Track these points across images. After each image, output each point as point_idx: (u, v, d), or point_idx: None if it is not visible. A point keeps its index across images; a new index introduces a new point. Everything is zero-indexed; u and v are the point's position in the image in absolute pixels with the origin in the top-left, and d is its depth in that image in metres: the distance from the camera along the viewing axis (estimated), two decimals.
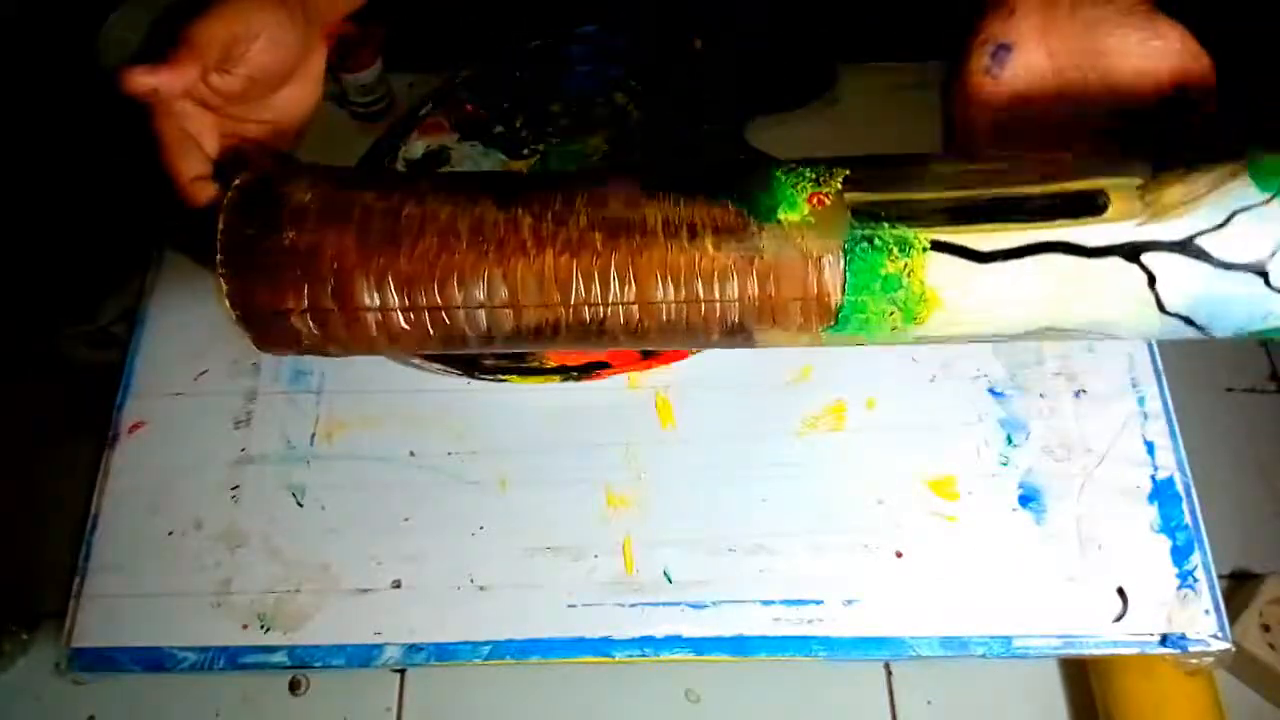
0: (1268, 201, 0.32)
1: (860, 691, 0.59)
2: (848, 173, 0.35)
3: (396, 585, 0.49)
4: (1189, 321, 0.34)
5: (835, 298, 0.34)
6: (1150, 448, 0.51)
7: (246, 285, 0.35)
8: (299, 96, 0.43)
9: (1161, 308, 0.33)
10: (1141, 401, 0.52)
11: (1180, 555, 0.48)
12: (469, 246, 0.34)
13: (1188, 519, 0.49)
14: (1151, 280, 0.33)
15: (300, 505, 0.51)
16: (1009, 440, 0.52)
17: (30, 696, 0.61)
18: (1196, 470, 0.50)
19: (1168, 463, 0.51)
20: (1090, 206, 0.33)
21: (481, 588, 0.49)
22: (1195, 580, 0.48)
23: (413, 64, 0.62)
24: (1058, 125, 0.39)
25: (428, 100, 0.58)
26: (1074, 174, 0.34)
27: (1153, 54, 0.37)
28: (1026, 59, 0.39)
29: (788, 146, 0.59)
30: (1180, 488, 0.50)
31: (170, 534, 0.50)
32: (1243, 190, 0.32)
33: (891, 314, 0.34)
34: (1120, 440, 0.51)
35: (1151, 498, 0.50)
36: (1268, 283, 0.32)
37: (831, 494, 0.50)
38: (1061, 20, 0.38)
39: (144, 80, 0.36)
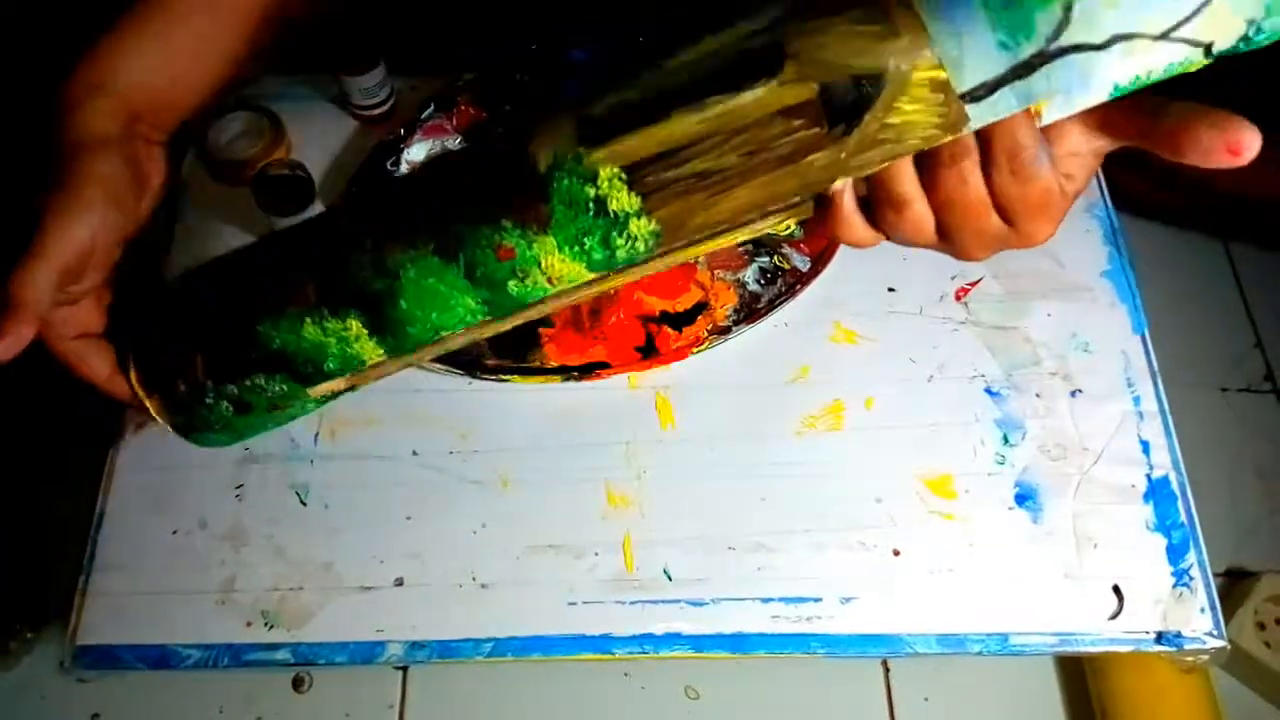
0: None
1: (858, 688, 0.60)
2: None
3: (399, 583, 0.49)
4: None
5: None
6: (1146, 447, 0.52)
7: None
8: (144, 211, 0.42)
9: None
10: (1137, 401, 0.53)
11: (1176, 554, 0.49)
12: None
13: (1183, 517, 0.50)
14: None
15: (304, 504, 0.51)
16: (1005, 440, 0.52)
17: (35, 694, 0.61)
18: (1192, 469, 0.51)
19: (1163, 462, 0.51)
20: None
21: (483, 586, 0.49)
22: (1190, 578, 0.48)
23: (415, 67, 0.62)
24: None
25: (430, 102, 0.59)
26: None
27: None
28: None
29: None
30: (1175, 487, 0.50)
31: (175, 533, 0.51)
32: None
33: None
34: (1116, 440, 0.52)
35: (1147, 497, 0.50)
36: None
37: (830, 493, 0.51)
38: None
39: None
